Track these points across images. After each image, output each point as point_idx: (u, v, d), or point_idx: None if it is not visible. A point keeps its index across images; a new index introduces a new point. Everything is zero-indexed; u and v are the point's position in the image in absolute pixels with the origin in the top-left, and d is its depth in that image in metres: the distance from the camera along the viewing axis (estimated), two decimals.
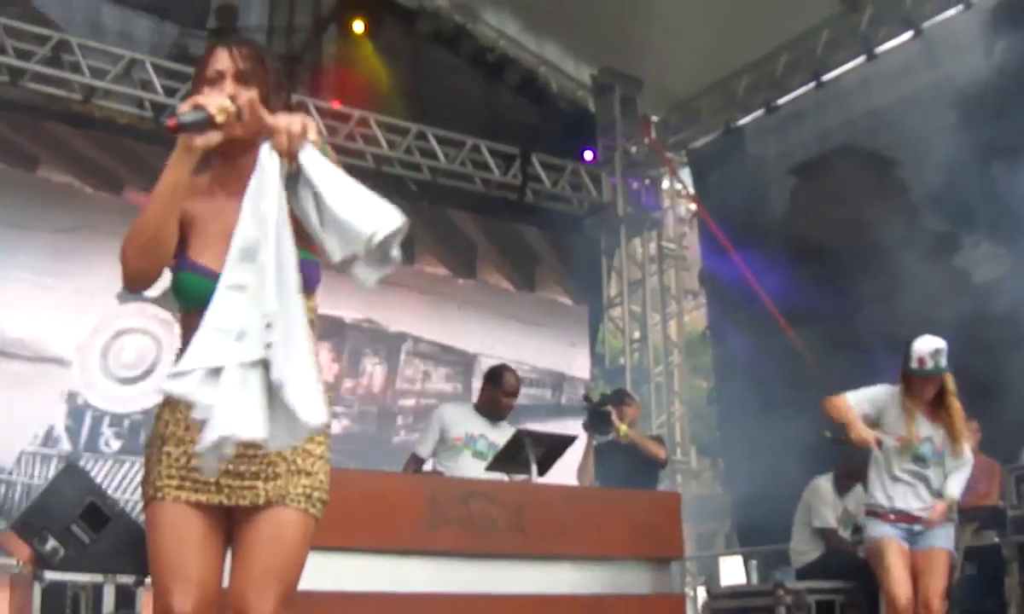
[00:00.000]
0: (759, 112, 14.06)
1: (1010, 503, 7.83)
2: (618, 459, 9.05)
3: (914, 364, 6.90)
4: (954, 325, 8.05)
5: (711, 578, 17.96)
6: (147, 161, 11.91)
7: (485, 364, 11.59)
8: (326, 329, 12.82)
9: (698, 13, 12.43)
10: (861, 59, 12.77)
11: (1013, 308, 9.49)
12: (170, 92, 12.21)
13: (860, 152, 12.66)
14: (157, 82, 12.17)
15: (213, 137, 2.96)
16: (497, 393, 7.96)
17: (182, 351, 2.92)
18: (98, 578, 6.94)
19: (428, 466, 7.78)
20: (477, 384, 12.81)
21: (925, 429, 7.03)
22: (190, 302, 3.11)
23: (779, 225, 13.51)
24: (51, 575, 6.89)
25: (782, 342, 12.29)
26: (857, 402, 7.15)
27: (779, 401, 11.51)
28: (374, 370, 13.93)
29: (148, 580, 6.89)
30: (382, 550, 6.23)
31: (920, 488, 7.02)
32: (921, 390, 6.99)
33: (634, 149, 15.32)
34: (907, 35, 12.31)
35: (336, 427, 12.33)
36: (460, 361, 14.45)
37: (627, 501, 7.55)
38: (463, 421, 7.83)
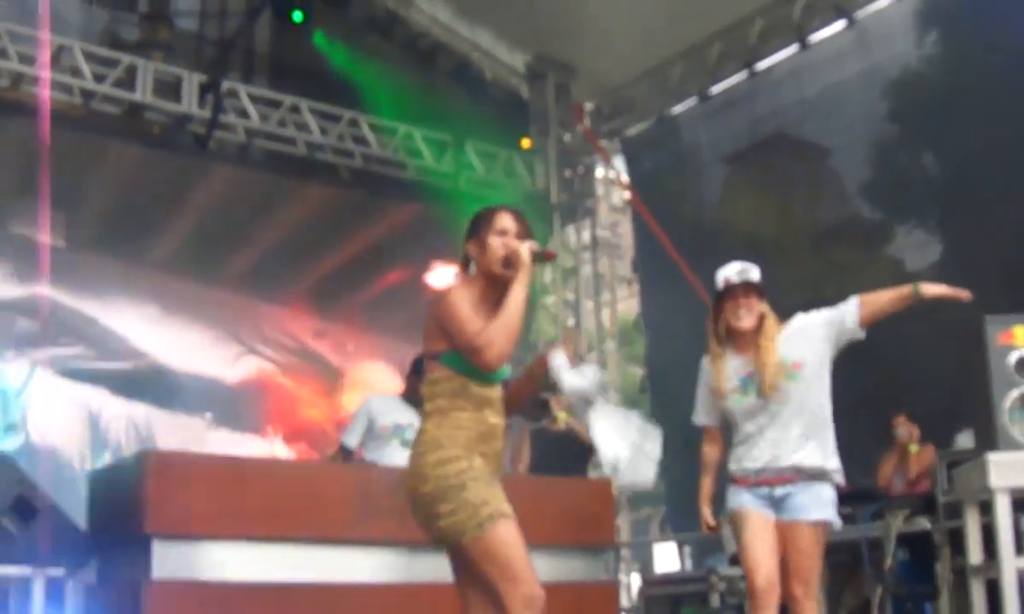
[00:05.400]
0: (692, 100, 14.06)
1: (941, 489, 7.88)
2: (548, 446, 9.04)
3: (720, 286, 5.93)
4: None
5: (645, 565, 18.06)
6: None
7: None
8: None
9: (631, 1, 12.43)
10: (794, 48, 12.81)
11: None
12: (99, 78, 12.05)
13: (791, 141, 12.71)
14: (86, 68, 11.99)
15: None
16: (421, 384, 7.91)
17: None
18: (26, 571, 6.84)
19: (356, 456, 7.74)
20: None
21: (734, 366, 6.02)
22: (492, 379, 4.60)
23: (712, 213, 13.54)
24: None
25: None
26: (701, 417, 6.50)
27: None
28: None
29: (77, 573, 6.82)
30: (313, 540, 6.19)
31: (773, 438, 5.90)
32: (733, 317, 5.93)
33: (568, 137, 15.30)
34: (840, 24, 12.35)
35: None
36: None
37: (560, 489, 7.54)
38: (391, 410, 7.77)
